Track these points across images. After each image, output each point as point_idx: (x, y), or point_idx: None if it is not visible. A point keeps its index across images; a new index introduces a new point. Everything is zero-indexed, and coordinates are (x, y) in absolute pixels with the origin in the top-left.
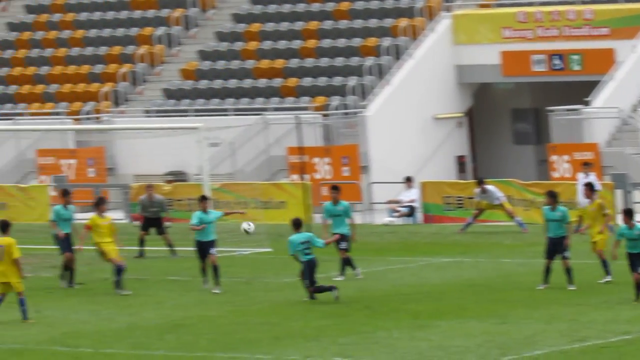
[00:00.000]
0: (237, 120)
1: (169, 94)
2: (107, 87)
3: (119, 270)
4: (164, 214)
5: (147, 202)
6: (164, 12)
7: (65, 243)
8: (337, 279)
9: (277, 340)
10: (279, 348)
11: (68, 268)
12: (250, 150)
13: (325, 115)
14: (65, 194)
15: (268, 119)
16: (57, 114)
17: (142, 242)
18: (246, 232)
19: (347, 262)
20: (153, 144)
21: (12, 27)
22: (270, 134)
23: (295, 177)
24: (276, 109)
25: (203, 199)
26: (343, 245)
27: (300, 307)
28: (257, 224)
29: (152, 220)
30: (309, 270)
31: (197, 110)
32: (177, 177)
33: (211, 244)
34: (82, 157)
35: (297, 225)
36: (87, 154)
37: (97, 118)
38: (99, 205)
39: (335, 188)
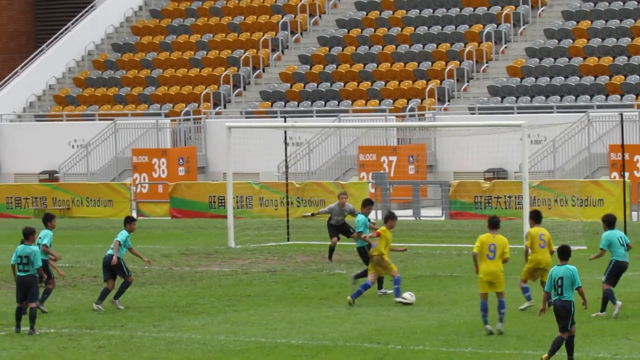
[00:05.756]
0: (561, 118)
1: (494, 91)
2: (432, 85)
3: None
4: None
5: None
6: (494, 10)
7: None
8: None
9: (585, 338)
10: (588, 346)
11: None
12: (571, 147)
13: None
14: None
15: (591, 117)
16: (382, 111)
17: None
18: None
19: None
20: (474, 141)
21: (342, 23)
22: (593, 132)
23: (615, 175)
24: (600, 107)
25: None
26: None
27: (611, 305)
28: (574, 221)
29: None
30: None
31: (521, 108)
32: (497, 174)
33: None
34: (403, 154)
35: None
36: (408, 151)
37: (421, 115)
38: None
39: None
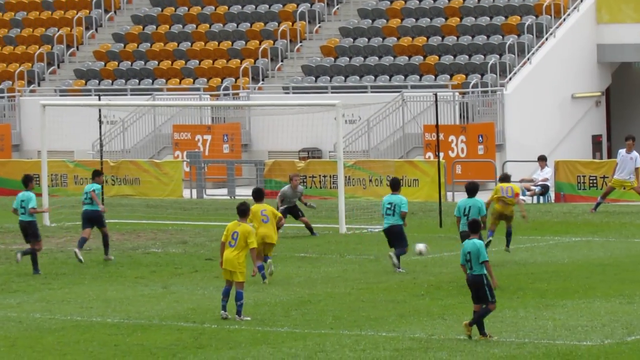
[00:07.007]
0: (375, 98)
1: (308, 70)
2: (246, 64)
3: None
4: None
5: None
6: None
7: None
8: None
9: (402, 318)
10: (404, 326)
11: None
12: (386, 127)
13: (463, 94)
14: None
15: (406, 97)
16: (196, 89)
17: None
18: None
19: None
20: (289, 120)
21: (155, 2)
22: (407, 112)
23: (429, 155)
24: (414, 87)
25: None
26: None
27: (427, 285)
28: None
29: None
30: None
31: (335, 88)
32: (312, 153)
33: None
34: (218, 133)
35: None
36: (222, 130)
37: (235, 94)
38: None
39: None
